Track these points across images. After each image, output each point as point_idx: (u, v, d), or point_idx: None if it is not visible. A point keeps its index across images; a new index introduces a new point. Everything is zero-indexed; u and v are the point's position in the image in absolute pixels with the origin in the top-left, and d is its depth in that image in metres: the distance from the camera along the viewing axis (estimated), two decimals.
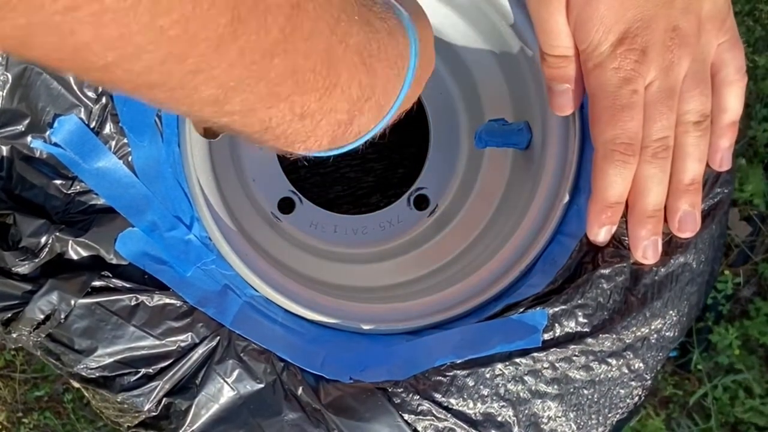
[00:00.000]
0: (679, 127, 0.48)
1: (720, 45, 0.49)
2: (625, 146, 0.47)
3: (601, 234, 0.50)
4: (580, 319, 0.50)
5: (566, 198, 0.53)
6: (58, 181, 0.49)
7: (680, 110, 0.48)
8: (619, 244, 0.51)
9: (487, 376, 0.50)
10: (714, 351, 1.20)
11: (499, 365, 0.50)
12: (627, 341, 0.50)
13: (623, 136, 0.46)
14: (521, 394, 0.50)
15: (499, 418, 0.50)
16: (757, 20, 1.24)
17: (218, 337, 0.50)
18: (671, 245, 0.51)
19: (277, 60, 0.28)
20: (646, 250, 0.50)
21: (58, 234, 0.48)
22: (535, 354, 0.50)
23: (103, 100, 0.50)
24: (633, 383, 0.51)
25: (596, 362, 0.50)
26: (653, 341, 0.51)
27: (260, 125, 0.31)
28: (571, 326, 0.50)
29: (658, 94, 0.46)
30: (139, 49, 0.24)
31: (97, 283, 0.49)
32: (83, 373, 0.49)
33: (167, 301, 0.49)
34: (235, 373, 0.49)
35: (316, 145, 0.34)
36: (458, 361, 0.50)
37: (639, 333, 0.50)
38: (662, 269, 0.51)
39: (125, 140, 0.50)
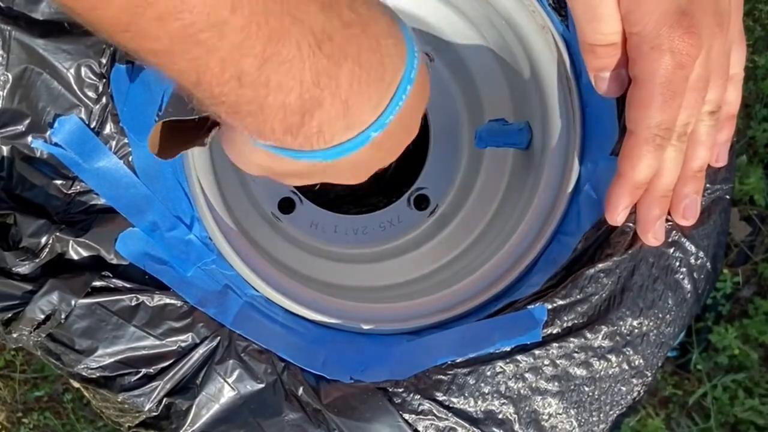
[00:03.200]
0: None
1: (734, 36, 0.49)
2: (667, 131, 0.46)
3: (621, 215, 0.50)
4: (580, 314, 0.50)
5: (566, 198, 0.53)
6: (58, 181, 0.49)
7: (704, 98, 0.48)
8: (620, 235, 0.51)
9: (488, 374, 0.50)
10: (713, 351, 1.20)
11: (500, 363, 0.50)
12: (627, 337, 0.50)
13: (668, 121, 0.46)
14: (522, 392, 0.50)
15: (500, 416, 0.50)
16: (757, 20, 1.24)
17: (219, 337, 0.50)
18: (667, 237, 0.51)
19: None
20: (657, 230, 0.50)
21: (58, 234, 0.48)
22: (536, 351, 0.50)
23: (104, 100, 0.50)
24: (634, 380, 0.51)
25: (596, 359, 0.50)
26: (653, 337, 0.51)
27: (194, 77, 0.30)
28: (570, 321, 0.50)
29: (697, 82, 0.46)
30: None
31: (97, 283, 0.49)
32: (84, 373, 0.49)
33: (168, 301, 0.49)
34: (236, 373, 0.49)
35: (268, 128, 0.33)
36: (459, 360, 0.50)
37: (636, 326, 0.50)
38: (660, 261, 0.51)
39: (126, 140, 0.50)
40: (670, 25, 0.44)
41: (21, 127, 0.49)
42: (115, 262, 0.50)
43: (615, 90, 0.49)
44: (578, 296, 0.50)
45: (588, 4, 0.46)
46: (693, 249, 0.51)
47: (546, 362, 0.50)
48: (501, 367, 0.50)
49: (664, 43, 0.44)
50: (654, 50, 0.45)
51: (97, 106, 0.50)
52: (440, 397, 0.50)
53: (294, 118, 0.32)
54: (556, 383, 0.50)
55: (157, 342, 0.49)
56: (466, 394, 0.50)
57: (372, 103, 0.34)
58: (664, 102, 0.45)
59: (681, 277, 0.51)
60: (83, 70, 0.49)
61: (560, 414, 0.50)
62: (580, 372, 0.50)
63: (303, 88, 0.31)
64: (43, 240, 0.48)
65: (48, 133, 0.49)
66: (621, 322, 0.50)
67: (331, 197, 0.73)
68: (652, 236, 0.50)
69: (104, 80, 0.50)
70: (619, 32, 0.46)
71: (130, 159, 0.50)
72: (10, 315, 0.48)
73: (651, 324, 0.51)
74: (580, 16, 0.47)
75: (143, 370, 0.49)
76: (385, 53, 0.34)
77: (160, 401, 0.49)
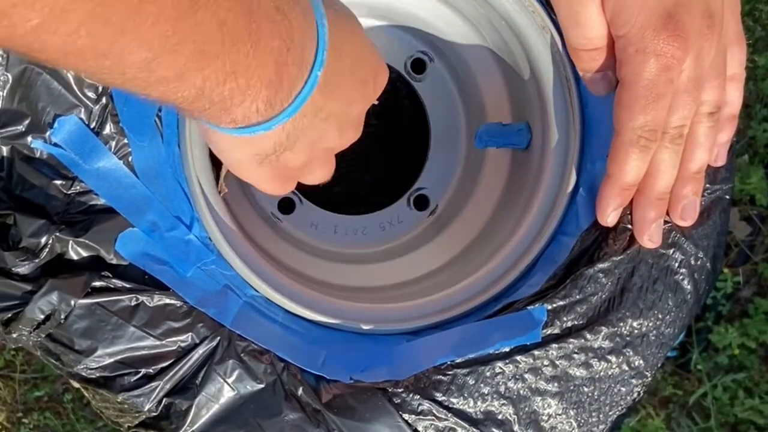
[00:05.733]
0: (694, 117, 0.48)
1: (732, 36, 0.49)
2: (652, 133, 0.46)
3: (612, 216, 0.50)
4: (579, 314, 0.50)
5: (566, 198, 0.53)
6: (58, 182, 0.49)
7: (698, 100, 0.48)
8: (619, 235, 0.51)
9: (488, 374, 0.50)
10: (714, 351, 1.20)
11: (500, 363, 0.50)
12: (627, 338, 0.50)
13: (653, 123, 0.46)
14: (521, 392, 0.50)
15: (500, 417, 0.50)
16: (757, 20, 1.24)
17: (218, 338, 0.50)
18: (667, 237, 0.51)
19: (200, 13, 0.29)
20: (653, 232, 0.50)
21: (58, 234, 0.48)
22: (535, 352, 0.50)
23: (104, 100, 0.50)
24: (633, 380, 0.51)
25: (596, 359, 0.50)
26: (653, 338, 0.51)
27: (195, 91, 0.31)
28: (570, 321, 0.50)
29: (687, 84, 0.46)
30: (62, 8, 0.25)
31: (97, 284, 0.49)
32: (83, 374, 0.49)
33: (167, 301, 0.49)
34: (236, 374, 0.49)
35: (254, 109, 0.34)
36: (458, 360, 0.50)
37: (636, 327, 0.50)
38: (659, 261, 0.51)
39: (125, 140, 0.50)
40: (654, 28, 0.44)
41: (21, 128, 0.49)
42: (114, 262, 0.50)
43: (603, 89, 0.49)
44: (578, 296, 0.50)
45: (571, 10, 0.47)
46: (693, 249, 0.51)
47: (545, 363, 0.50)
48: (500, 368, 0.50)
49: (649, 46, 0.45)
50: (639, 53, 0.45)
51: (97, 107, 0.50)
52: (440, 397, 0.50)
53: (272, 89, 0.35)
54: (556, 384, 0.50)
55: (157, 342, 0.49)
56: (466, 395, 0.50)
57: (314, 46, 0.37)
58: (647, 104, 0.46)
59: (681, 277, 0.51)
60: None
61: (560, 414, 0.50)
62: (579, 373, 0.50)
63: (277, 57, 0.34)
64: (43, 240, 0.48)
65: (48, 133, 0.49)
66: (621, 323, 0.50)
67: (331, 197, 0.73)
68: (648, 238, 0.50)
69: None
70: (602, 36, 0.47)
71: (129, 159, 0.50)
72: (9, 315, 0.48)
73: (651, 325, 0.51)
74: (564, 21, 0.48)
75: (143, 371, 0.49)
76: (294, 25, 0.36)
77: (159, 401, 0.49)
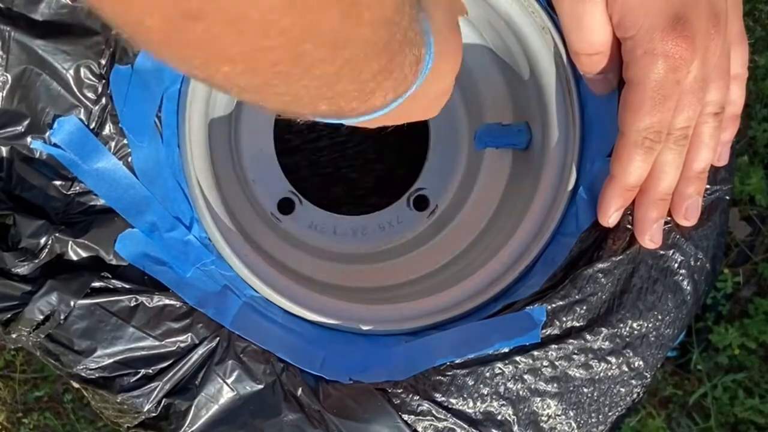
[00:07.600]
0: (699, 117, 0.48)
1: (735, 35, 0.49)
2: (657, 134, 0.46)
3: (613, 217, 0.50)
4: (579, 314, 0.50)
5: (566, 198, 0.53)
6: (57, 182, 0.49)
7: (703, 100, 0.47)
8: (620, 235, 0.51)
9: (487, 375, 0.50)
10: (714, 351, 1.20)
11: (499, 364, 0.50)
12: (627, 339, 0.50)
13: (658, 124, 0.46)
14: (521, 393, 0.50)
15: (499, 417, 0.50)
16: (757, 20, 1.24)
17: (218, 338, 0.50)
18: (666, 238, 0.51)
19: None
20: (655, 233, 0.50)
21: (57, 235, 0.48)
22: (535, 352, 0.50)
23: (103, 101, 0.50)
24: (633, 381, 0.51)
25: (596, 360, 0.50)
26: (652, 339, 0.51)
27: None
28: (569, 321, 0.50)
29: (693, 84, 0.46)
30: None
31: (96, 284, 0.49)
32: (83, 374, 0.49)
33: (167, 301, 0.49)
34: (235, 374, 0.49)
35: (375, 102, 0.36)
36: (458, 361, 0.50)
37: (635, 327, 0.50)
38: (659, 262, 0.51)
39: (125, 141, 0.50)
40: (663, 29, 0.44)
41: (20, 128, 0.49)
42: (114, 262, 0.50)
43: (603, 89, 0.50)
44: (577, 296, 0.50)
45: (574, 15, 0.47)
46: (692, 250, 0.51)
47: (545, 363, 0.50)
48: (500, 368, 0.50)
49: (657, 47, 0.45)
50: (647, 54, 0.45)
51: (97, 107, 0.50)
52: (439, 397, 0.50)
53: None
54: (555, 385, 0.50)
55: (156, 343, 0.49)
56: (465, 395, 0.50)
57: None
58: (653, 106, 0.46)
59: (680, 278, 0.51)
60: (82, 70, 0.49)
61: (559, 415, 0.50)
62: (579, 373, 0.50)
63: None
64: (43, 241, 0.48)
65: (47, 133, 0.49)
66: (621, 324, 0.50)
67: (330, 198, 0.73)
68: (649, 239, 0.50)
69: (103, 81, 0.50)
70: (604, 42, 0.47)
71: (129, 160, 0.50)
72: (9, 316, 0.48)
73: (651, 326, 0.51)
74: (567, 25, 0.48)
75: (142, 371, 0.49)
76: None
77: (159, 402, 0.49)
